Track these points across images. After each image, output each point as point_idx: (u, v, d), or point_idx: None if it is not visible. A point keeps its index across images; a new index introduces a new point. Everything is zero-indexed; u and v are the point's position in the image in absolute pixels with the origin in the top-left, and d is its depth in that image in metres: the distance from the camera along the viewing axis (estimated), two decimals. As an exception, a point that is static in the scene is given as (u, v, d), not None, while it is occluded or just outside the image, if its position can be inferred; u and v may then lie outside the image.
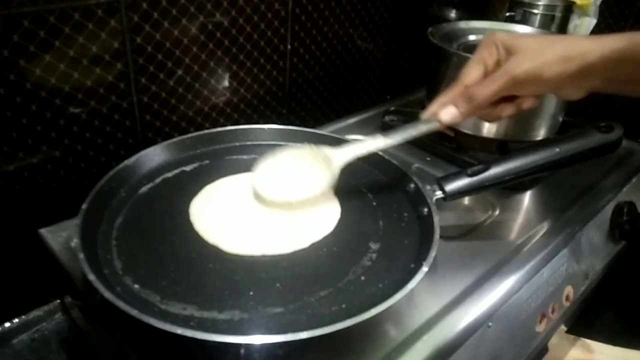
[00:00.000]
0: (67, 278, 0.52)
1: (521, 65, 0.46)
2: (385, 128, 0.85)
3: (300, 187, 0.55)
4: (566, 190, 0.71)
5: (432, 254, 0.46)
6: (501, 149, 0.76)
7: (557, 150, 0.55)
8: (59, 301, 0.65)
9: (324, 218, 0.55)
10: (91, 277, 0.41)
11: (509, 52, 0.48)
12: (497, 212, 0.65)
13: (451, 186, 0.55)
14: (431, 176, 0.59)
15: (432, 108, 0.52)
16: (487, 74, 0.50)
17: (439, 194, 0.55)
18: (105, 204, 0.53)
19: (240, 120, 0.81)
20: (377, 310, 0.40)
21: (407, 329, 0.47)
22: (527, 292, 0.56)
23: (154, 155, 0.61)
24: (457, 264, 0.55)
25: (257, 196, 0.56)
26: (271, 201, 0.55)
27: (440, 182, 0.56)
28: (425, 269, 0.45)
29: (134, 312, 0.39)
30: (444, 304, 0.50)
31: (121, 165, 0.57)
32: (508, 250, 0.58)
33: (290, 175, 0.56)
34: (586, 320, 0.71)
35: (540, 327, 0.59)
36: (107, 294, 0.40)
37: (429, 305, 0.50)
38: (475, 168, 0.56)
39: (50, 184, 0.63)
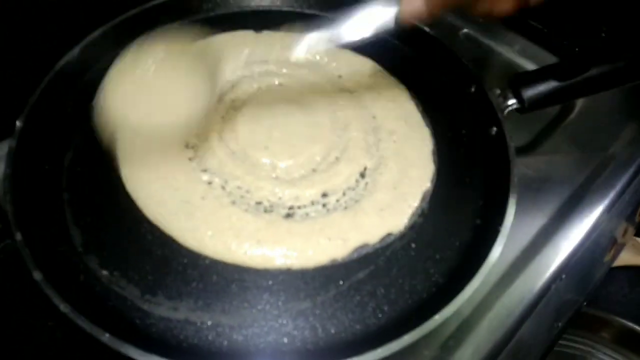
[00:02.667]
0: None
1: None
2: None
3: None
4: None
5: (511, 213, 0.34)
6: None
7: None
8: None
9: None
10: (37, 276, 0.29)
11: None
12: (570, 114, 0.49)
13: (531, 92, 0.40)
14: (490, 51, 0.43)
15: None
16: None
17: (512, 103, 0.40)
18: (47, 125, 0.38)
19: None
20: (441, 317, 0.29)
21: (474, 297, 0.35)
22: (607, 223, 0.44)
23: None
24: (527, 194, 0.41)
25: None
26: None
27: (514, 85, 0.40)
28: (503, 239, 0.32)
29: (105, 338, 0.27)
30: (515, 258, 0.38)
31: (62, 62, 0.40)
32: (587, 171, 0.44)
33: None
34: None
35: (609, 256, 0.49)
36: (65, 307, 0.27)
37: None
38: (567, 68, 0.40)
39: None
